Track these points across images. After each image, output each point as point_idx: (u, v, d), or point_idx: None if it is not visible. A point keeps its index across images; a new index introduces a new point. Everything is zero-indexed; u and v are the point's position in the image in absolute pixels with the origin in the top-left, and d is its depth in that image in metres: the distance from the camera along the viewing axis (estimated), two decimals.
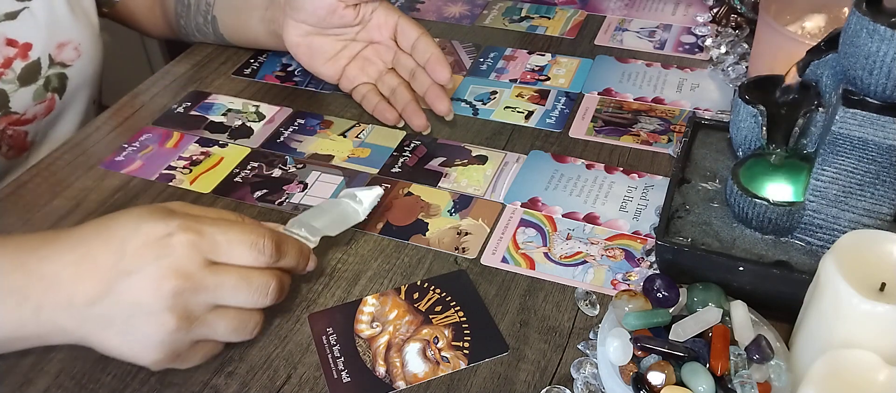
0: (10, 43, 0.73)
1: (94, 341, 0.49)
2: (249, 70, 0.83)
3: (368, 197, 0.60)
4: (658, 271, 0.56)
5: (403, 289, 0.56)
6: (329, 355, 0.52)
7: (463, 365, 0.51)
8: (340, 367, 0.51)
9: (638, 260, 0.58)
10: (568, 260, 0.58)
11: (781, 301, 0.50)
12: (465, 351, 0.52)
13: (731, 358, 0.43)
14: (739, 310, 0.47)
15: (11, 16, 0.73)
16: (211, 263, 0.48)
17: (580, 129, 0.72)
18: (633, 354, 0.45)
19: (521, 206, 0.63)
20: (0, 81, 0.73)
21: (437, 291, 0.56)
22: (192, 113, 0.77)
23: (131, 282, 0.47)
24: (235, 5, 0.81)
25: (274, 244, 0.50)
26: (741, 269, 0.51)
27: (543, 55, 0.84)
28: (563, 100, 0.76)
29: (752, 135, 0.57)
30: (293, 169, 0.69)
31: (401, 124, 0.73)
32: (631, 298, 0.48)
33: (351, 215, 0.60)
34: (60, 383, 0.51)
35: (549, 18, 0.91)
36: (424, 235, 0.61)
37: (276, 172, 0.68)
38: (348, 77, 0.76)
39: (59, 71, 0.77)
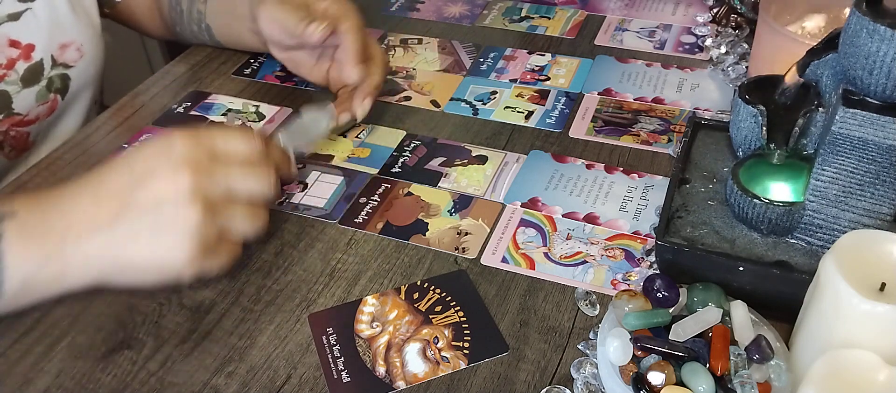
0: (13, 44, 0.73)
1: (120, 262, 0.51)
2: (249, 70, 0.83)
3: (322, 114, 0.67)
4: (658, 271, 0.56)
5: (403, 289, 0.56)
6: (329, 355, 0.52)
7: (463, 365, 0.51)
8: (340, 367, 0.51)
9: (638, 260, 0.58)
10: (568, 260, 0.58)
11: (781, 301, 0.50)
12: (465, 351, 0.52)
13: (731, 358, 0.43)
14: (739, 310, 0.47)
15: (14, 17, 0.73)
16: (214, 156, 0.53)
17: (580, 129, 0.72)
18: (633, 354, 0.45)
19: (521, 206, 0.63)
20: (3, 83, 0.73)
21: (437, 291, 0.56)
22: (193, 113, 0.77)
23: (148, 187, 0.51)
24: (226, 17, 0.81)
25: (261, 137, 0.56)
26: (741, 269, 0.51)
27: (543, 55, 0.84)
28: (563, 100, 0.76)
29: (752, 135, 0.57)
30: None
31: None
32: (631, 298, 0.48)
33: (312, 127, 0.66)
34: (60, 383, 0.51)
35: (549, 18, 0.91)
36: (424, 235, 0.61)
37: None
38: (332, 80, 0.76)
39: (61, 72, 0.77)
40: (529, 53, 0.84)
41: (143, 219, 0.50)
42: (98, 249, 0.51)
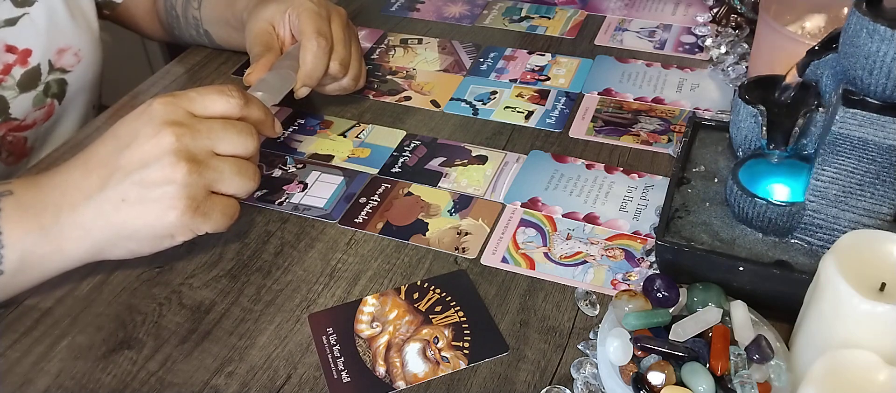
0: (10, 49, 0.73)
1: (114, 228, 0.52)
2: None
3: (292, 73, 0.68)
4: (658, 271, 0.56)
5: (403, 289, 0.56)
6: (329, 355, 0.52)
7: (463, 365, 0.51)
8: (340, 367, 0.51)
9: (638, 260, 0.58)
10: (568, 260, 0.58)
11: (781, 301, 0.50)
12: (465, 351, 0.52)
13: (731, 358, 0.43)
14: (739, 310, 0.47)
15: (11, 22, 0.73)
16: (194, 114, 0.54)
17: (580, 129, 0.72)
18: (633, 354, 0.45)
19: (521, 206, 0.63)
20: (0, 87, 0.73)
21: (437, 291, 0.56)
22: None
23: (132, 150, 0.52)
24: (222, 26, 0.81)
25: (239, 92, 0.56)
26: (741, 269, 0.51)
27: (543, 55, 0.84)
28: (563, 100, 0.76)
29: (752, 135, 0.57)
30: (293, 169, 0.69)
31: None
32: (631, 298, 0.48)
33: (283, 83, 0.66)
34: (60, 383, 0.51)
35: (549, 18, 0.91)
36: (424, 235, 0.61)
37: (277, 172, 0.68)
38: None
39: (58, 77, 0.77)
40: (529, 53, 0.84)
41: (130, 180, 0.52)
42: (92, 216, 0.52)
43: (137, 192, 0.52)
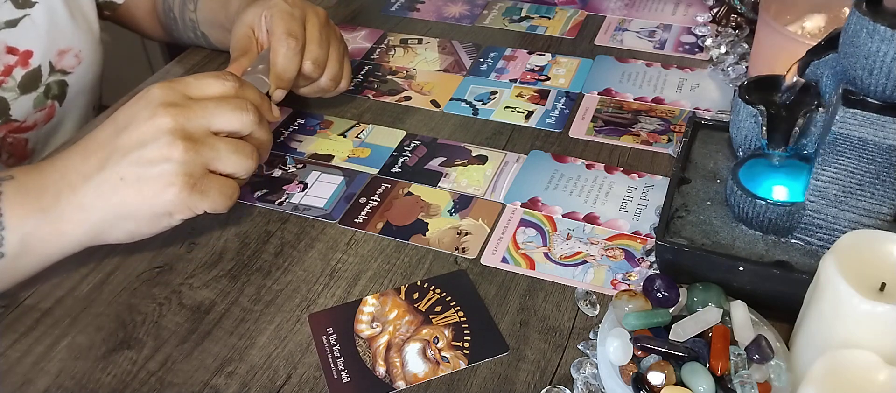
0: (11, 51, 0.73)
1: (113, 209, 0.53)
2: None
3: (265, 77, 0.66)
4: (658, 271, 0.56)
5: (403, 289, 0.56)
6: (329, 355, 0.52)
7: (463, 365, 0.51)
8: (340, 367, 0.51)
9: (638, 260, 0.58)
10: (568, 260, 0.58)
11: (781, 301, 0.50)
12: (465, 351, 0.52)
13: (731, 358, 0.43)
14: (739, 310, 0.47)
15: (12, 23, 0.73)
16: (190, 96, 0.55)
17: (580, 129, 0.72)
18: (633, 354, 0.45)
19: (521, 206, 0.63)
20: (0, 89, 0.73)
21: (437, 291, 0.56)
22: None
23: (129, 131, 0.53)
24: (218, 29, 0.80)
25: (234, 76, 0.58)
26: (741, 269, 0.51)
27: (543, 55, 0.84)
28: (563, 100, 0.76)
29: (752, 135, 0.57)
30: (293, 169, 0.69)
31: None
32: (631, 298, 0.48)
33: (262, 84, 0.65)
34: (60, 383, 0.51)
35: (549, 18, 0.91)
36: (424, 235, 0.61)
37: (277, 172, 0.68)
38: None
39: (59, 78, 0.77)
40: (529, 53, 0.84)
41: (128, 160, 0.53)
42: (91, 197, 0.53)
43: (135, 171, 0.52)
